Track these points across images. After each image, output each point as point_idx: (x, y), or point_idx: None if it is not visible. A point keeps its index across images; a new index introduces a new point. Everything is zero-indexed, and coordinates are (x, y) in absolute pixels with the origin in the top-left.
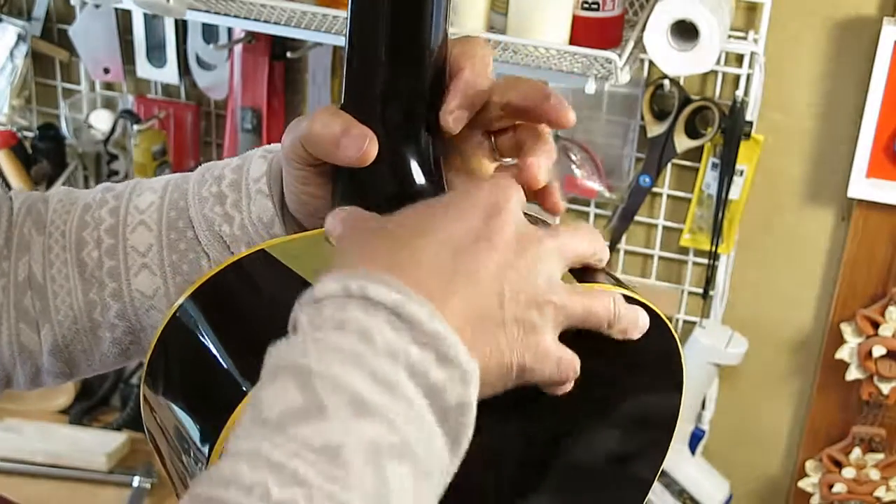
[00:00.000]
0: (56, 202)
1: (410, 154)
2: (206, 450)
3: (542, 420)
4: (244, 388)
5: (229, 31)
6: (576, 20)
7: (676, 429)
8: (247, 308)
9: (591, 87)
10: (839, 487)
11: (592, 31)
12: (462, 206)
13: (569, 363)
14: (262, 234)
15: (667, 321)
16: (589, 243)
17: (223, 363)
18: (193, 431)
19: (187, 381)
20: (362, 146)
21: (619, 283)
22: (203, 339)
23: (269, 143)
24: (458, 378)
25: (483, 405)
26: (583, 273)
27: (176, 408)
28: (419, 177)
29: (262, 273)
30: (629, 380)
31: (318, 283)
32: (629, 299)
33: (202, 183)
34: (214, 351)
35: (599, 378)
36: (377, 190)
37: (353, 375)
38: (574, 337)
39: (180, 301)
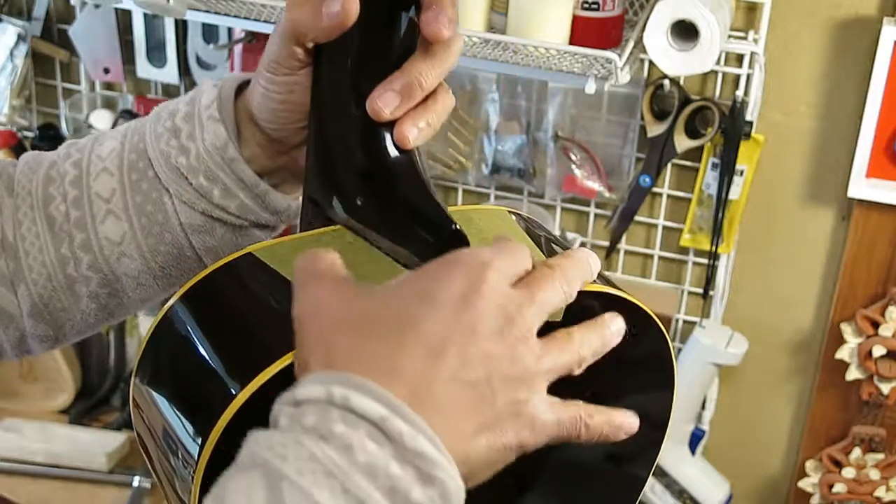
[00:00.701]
0: (23, 164)
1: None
2: (194, 451)
3: None
4: (232, 391)
5: (229, 31)
6: (576, 20)
7: (669, 426)
8: (234, 311)
9: (591, 87)
10: (839, 487)
11: (592, 31)
12: (438, 296)
13: (571, 419)
14: (216, 160)
15: (656, 319)
16: (581, 274)
17: (212, 365)
18: (182, 433)
19: (176, 382)
20: (342, 2)
21: (607, 282)
22: (192, 341)
23: None
24: (439, 497)
25: None
26: None
27: (164, 409)
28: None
29: (249, 276)
30: (621, 379)
31: (301, 384)
32: (618, 298)
33: (158, 120)
34: (203, 353)
35: (591, 379)
36: (361, 67)
37: (323, 491)
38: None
39: (170, 303)
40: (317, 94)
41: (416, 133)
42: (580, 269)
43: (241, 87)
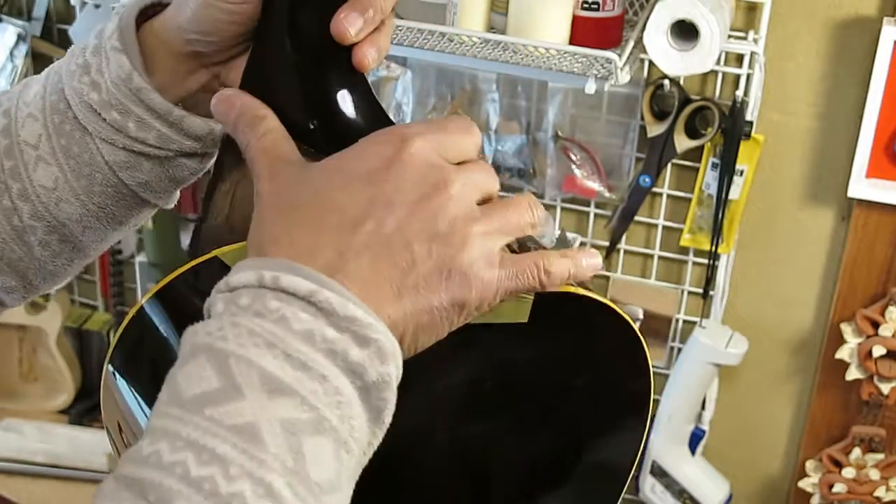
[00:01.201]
0: None
1: None
2: None
3: (513, 421)
4: None
5: None
6: (576, 20)
7: (649, 412)
8: (201, 314)
9: (591, 87)
10: (839, 487)
11: (592, 31)
12: (355, 169)
13: (526, 269)
14: (124, 91)
15: (622, 313)
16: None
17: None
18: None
19: (144, 381)
20: None
21: (573, 281)
22: (160, 342)
23: None
24: (376, 356)
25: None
26: None
27: (132, 405)
28: None
29: (215, 279)
30: (594, 374)
31: (234, 271)
32: (585, 298)
33: (72, 56)
34: (170, 353)
35: (562, 376)
36: None
37: (267, 358)
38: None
39: (140, 303)
40: (271, 11)
41: (374, 55)
42: (530, 209)
43: (147, 11)
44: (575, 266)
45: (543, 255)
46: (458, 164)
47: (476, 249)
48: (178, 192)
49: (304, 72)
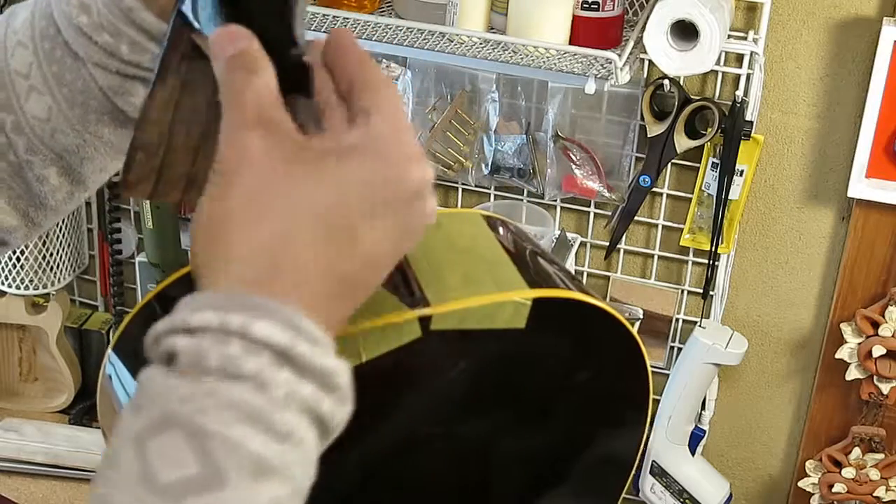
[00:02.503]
0: None
1: None
2: None
3: (514, 423)
4: None
5: None
6: (576, 20)
7: (649, 411)
8: None
9: (591, 87)
10: (839, 487)
11: (592, 31)
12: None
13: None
14: (115, 12)
15: (616, 315)
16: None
17: None
18: None
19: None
20: None
21: (570, 284)
22: None
23: None
24: (340, 401)
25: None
26: (536, 277)
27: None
28: None
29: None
30: (592, 376)
31: (193, 303)
32: (578, 301)
33: None
34: None
35: (560, 379)
36: None
37: (250, 435)
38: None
39: (143, 301)
40: None
41: None
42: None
43: None
44: None
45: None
46: None
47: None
48: None
49: None
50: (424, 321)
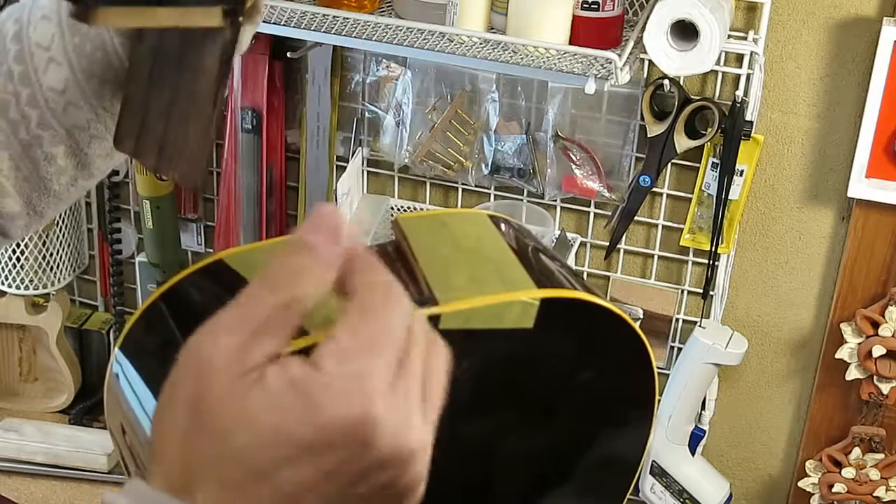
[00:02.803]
0: None
1: None
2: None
3: (519, 423)
4: None
5: None
6: (576, 20)
7: (654, 411)
8: (204, 317)
9: (591, 87)
10: (839, 487)
11: (592, 31)
12: (173, 403)
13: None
14: None
15: (623, 316)
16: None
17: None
18: (147, 432)
19: (147, 381)
20: None
21: (574, 283)
22: (164, 344)
23: (269, 143)
24: None
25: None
26: (543, 276)
27: (135, 407)
28: None
29: (219, 282)
30: (599, 376)
31: (126, 485)
32: (585, 301)
33: None
34: (175, 355)
35: (567, 379)
36: None
37: None
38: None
39: (147, 303)
40: None
41: None
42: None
43: None
44: None
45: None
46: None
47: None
48: None
49: None
50: (433, 320)
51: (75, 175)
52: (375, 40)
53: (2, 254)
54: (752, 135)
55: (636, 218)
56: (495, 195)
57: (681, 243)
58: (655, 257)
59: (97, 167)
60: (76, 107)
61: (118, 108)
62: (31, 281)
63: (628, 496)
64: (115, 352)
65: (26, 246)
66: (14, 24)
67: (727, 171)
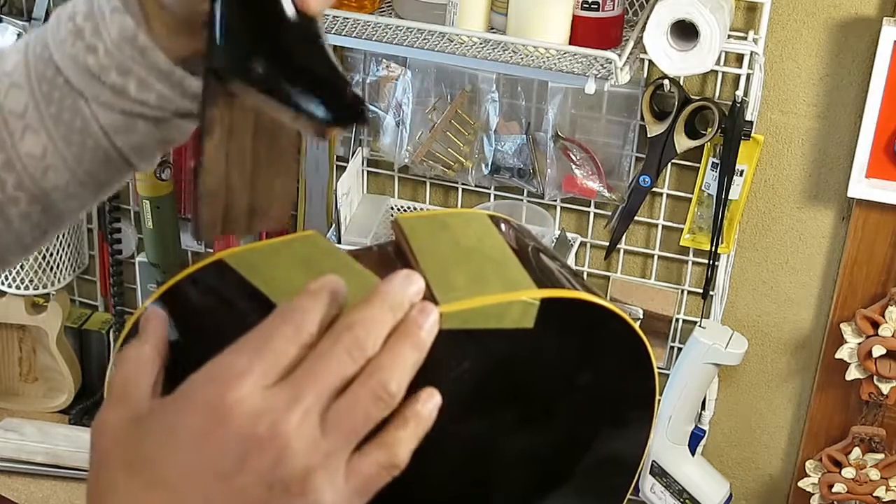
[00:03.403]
0: None
1: None
2: None
3: (519, 423)
4: None
5: None
6: (576, 20)
7: (655, 411)
8: (205, 316)
9: (591, 87)
10: (839, 487)
11: (592, 31)
12: (177, 433)
13: (374, 472)
14: (127, 52)
15: (623, 316)
16: (384, 315)
17: (182, 369)
18: None
19: None
20: None
21: (575, 283)
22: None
23: None
24: None
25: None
26: (543, 276)
27: None
28: None
29: (219, 283)
30: (599, 376)
31: None
32: (587, 302)
33: (58, 25)
34: (175, 354)
35: (567, 379)
36: None
37: None
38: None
39: (145, 304)
40: None
41: None
42: (382, 312)
43: None
44: (418, 425)
45: (383, 446)
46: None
47: (325, 480)
48: (159, 157)
49: (248, 15)
50: None
51: (47, 227)
52: (375, 40)
53: None
54: (752, 135)
55: (636, 218)
56: (495, 195)
57: (681, 243)
58: (655, 257)
59: (70, 218)
60: (55, 170)
61: (98, 169)
62: (31, 281)
63: (628, 496)
64: (117, 351)
65: None
66: None
67: (727, 171)
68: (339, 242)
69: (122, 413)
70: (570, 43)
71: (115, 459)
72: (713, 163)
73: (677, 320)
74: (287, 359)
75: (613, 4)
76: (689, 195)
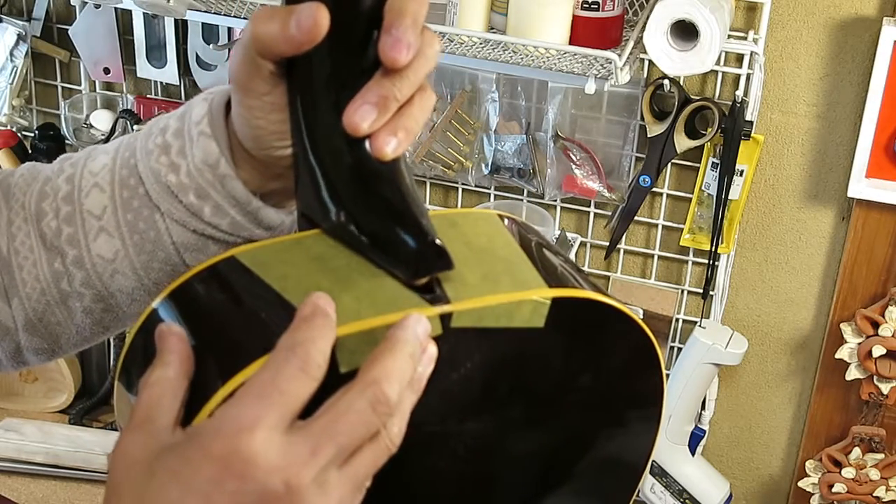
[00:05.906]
0: (19, 176)
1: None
2: None
3: (526, 422)
4: (207, 393)
5: (229, 31)
6: (576, 20)
7: (663, 407)
8: (216, 314)
9: (591, 87)
10: (839, 487)
11: (592, 31)
12: (191, 485)
13: (357, 483)
14: (208, 177)
15: (632, 316)
16: (400, 367)
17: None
18: None
19: None
20: (313, 14)
21: (582, 282)
22: None
23: None
24: None
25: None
26: (553, 276)
27: None
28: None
29: (231, 279)
30: (607, 376)
31: None
32: (598, 302)
33: (149, 136)
34: None
35: (576, 378)
36: (337, 77)
37: None
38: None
39: (154, 304)
40: (294, 111)
41: (394, 144)
42: (404, 362)
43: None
44: (414, 390)
45: (374, 450)
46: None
47: None
48: None
49: (332, 165)
50: (445, 318)
51: (109, 325)
52: None
53: None
54: (752, 135)
55: (636, 218)
56: (495, 195)
57: (681, 243)
58: (655, 257)
59: (132, 320)
60: (123, 275)
61: (165, 280)
62: None
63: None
64: (125, 351)
65: None
66: (66, 183)
67: (727, 171)
68: None
69: (141, 442)
70: (571, 43)
71: (127, 494)
72: (713, 163)
73: (677, 320)
74: (299, 401)
75: (613, 4)
76: (689, 195)
